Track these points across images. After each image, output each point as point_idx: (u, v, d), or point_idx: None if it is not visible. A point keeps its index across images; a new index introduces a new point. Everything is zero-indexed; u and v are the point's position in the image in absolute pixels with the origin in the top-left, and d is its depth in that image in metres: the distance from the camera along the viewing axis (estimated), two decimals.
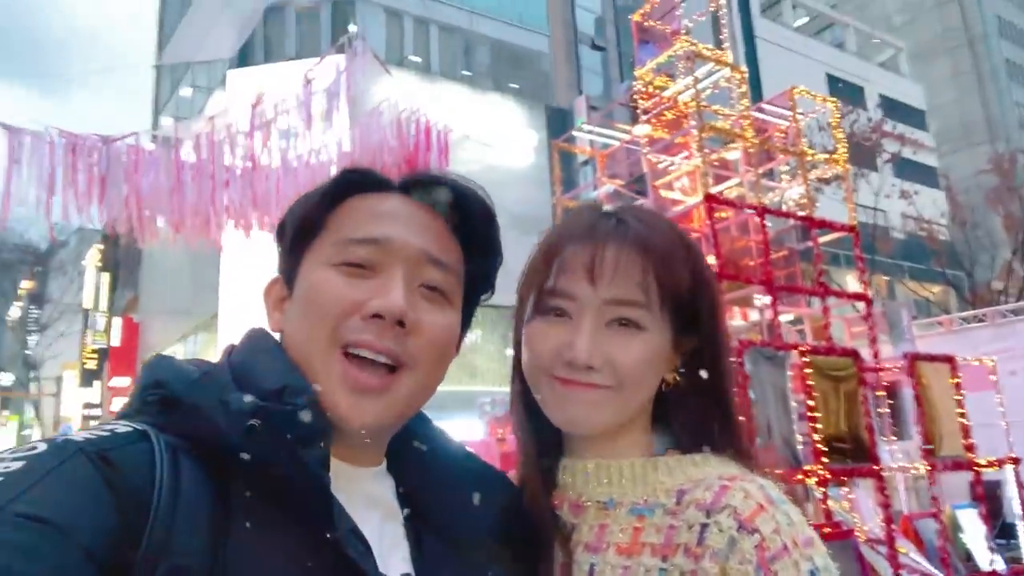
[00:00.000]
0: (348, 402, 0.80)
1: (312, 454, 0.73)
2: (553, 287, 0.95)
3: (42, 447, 0.66)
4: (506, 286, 1.04)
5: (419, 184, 0.92)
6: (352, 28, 17.60)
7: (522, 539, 0.92)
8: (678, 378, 1.00)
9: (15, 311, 32.15)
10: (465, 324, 0.95)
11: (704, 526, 0.84)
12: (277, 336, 0.89)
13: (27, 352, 29.46)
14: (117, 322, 27.43)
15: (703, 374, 0.99)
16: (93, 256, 30.18)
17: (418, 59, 21.79)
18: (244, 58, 18.73)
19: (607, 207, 1.02)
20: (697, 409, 0.98)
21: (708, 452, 0.94)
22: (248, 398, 0.72)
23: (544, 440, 1.02)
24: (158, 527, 0.65)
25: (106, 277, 29.46)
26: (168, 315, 22.49)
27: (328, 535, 0.72)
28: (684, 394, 0.99)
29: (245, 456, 0.71)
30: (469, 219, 0.93)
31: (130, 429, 0.72)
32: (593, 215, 0.99)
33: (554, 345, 0.94)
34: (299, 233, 0.89)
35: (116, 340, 26.27)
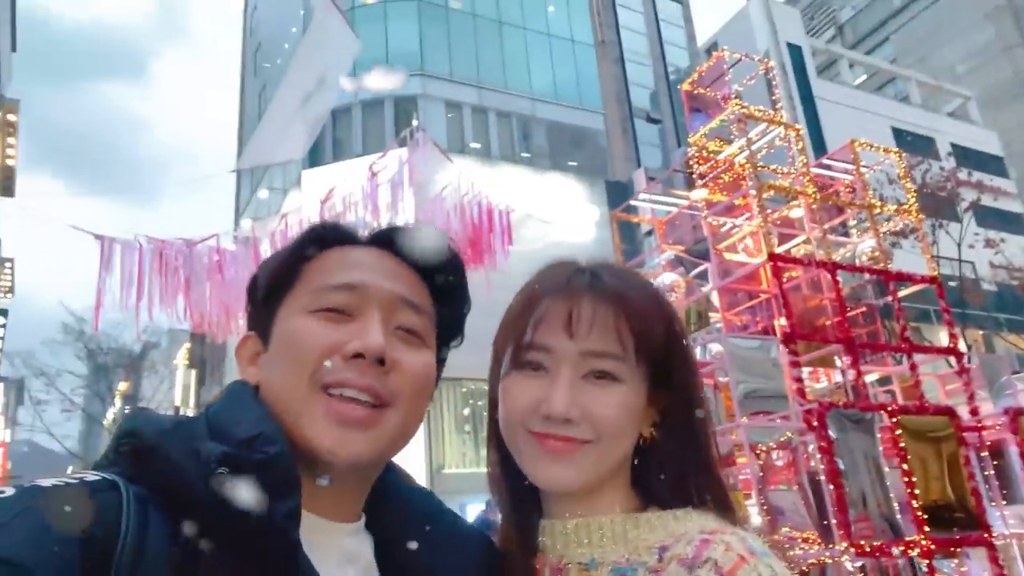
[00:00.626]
0: (334, 436, 0.80)
1: (280, 506, 0.72)
2: (530, 341, 0.95)
3: (9, 491, 0.66)
4: None
5: (389, 237, 0.95)
6: (414, 122, 18.45)
7: None
8: (655, 433, 0.99)
9: (111, 413, 33.71)
10: (438, 371, 0.96)
11: None
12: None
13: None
14: None
15: (680, 428, 0.98)
16: (182, 355, 31.62)
17: (478, 145, 22.56)
18: (315, 158, 19.82)
19: (582, 263, 1.03)
20: (676, 464, 0.97)
21: (689, 508, 0.93)
22: (217, 447, 0.72)
23: (524, 501, 1.00)
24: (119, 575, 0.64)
25: (193, 374, 30.71)
26: None
27: None
28: (662, 450, 0.98)
29: (212, 506, 0.70)
30: (438, 268, 0.96)
31: (99, 478, 0.72)
32: (568, 270, 1.01)
33: (531, 399, 0.94)
34: (273, 286, 0.91)
35: None
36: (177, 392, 31.03)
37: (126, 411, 33.92)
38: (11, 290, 29.69)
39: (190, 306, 8.08)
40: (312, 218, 8.98)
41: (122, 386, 33.66)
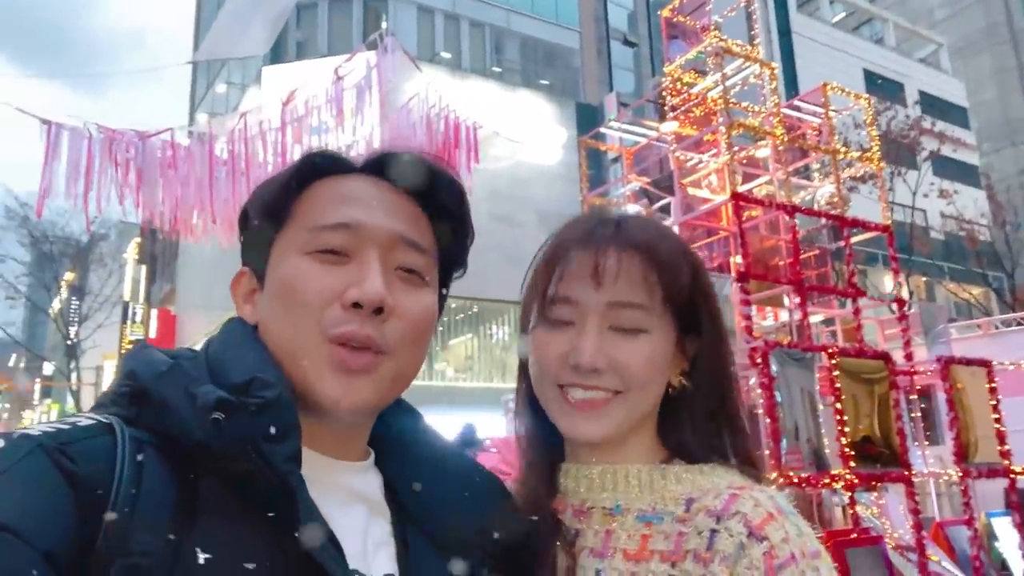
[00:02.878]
0: (338, 384, 0.79)
1: (279, 449, 0.71)
2: (555, 294, 0.95)
3: None
4: None
5: (386, 164, 0.90)
6: (383, 25, 17.73)
7: (515, 543, 0.90)
8: (684, 381, 0.99)
9: (57, 302, 33.01)
10: (441, 303, 0.94)
11: (714, 532, 0.84)
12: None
13: (68, 342, 30.19)
14: (154, 313, 28.02)
15: (707, 377, 0.98)
16: (132, 250, 30.87)
17: (448, 55, 21.86)
18: (277, 55, 18.97)
19: (607, 214, 1.01)
20: (703, 416, 0.98)
21: (716, 463, 0.94)
22: (214, 391, 0.70)
23: (547, 443, 1.01)
24: (115, 524, 0.63)
25: (144, 270, 30.11)
26: (204, 308, 22.91)
27: (295, 534, 0.69)
28: (690, 400, 0.99)
29: (210, 451, 0.69)
30: (439, 198, 0.91)
31: (93, 422, 0.70)
32: (592, 221, 1.00)
33: (559, 352, 0.94)
34: (265, 221, 0.87)
35: (153, 332, 26.82)
36: (126, 287, 30.41)
37: (73, 301, 33.25)
38: None
39: (141, 201, 7.85)
40: (272, 119, 8.68)
41: (68, 276, 32.83)
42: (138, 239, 29.87)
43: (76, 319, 31.92)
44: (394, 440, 0.93)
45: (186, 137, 8.90)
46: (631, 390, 0.92)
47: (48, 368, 38.89)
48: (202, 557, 0.66)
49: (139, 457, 0.68)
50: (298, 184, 0.88)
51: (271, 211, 0.87)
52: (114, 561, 0.62)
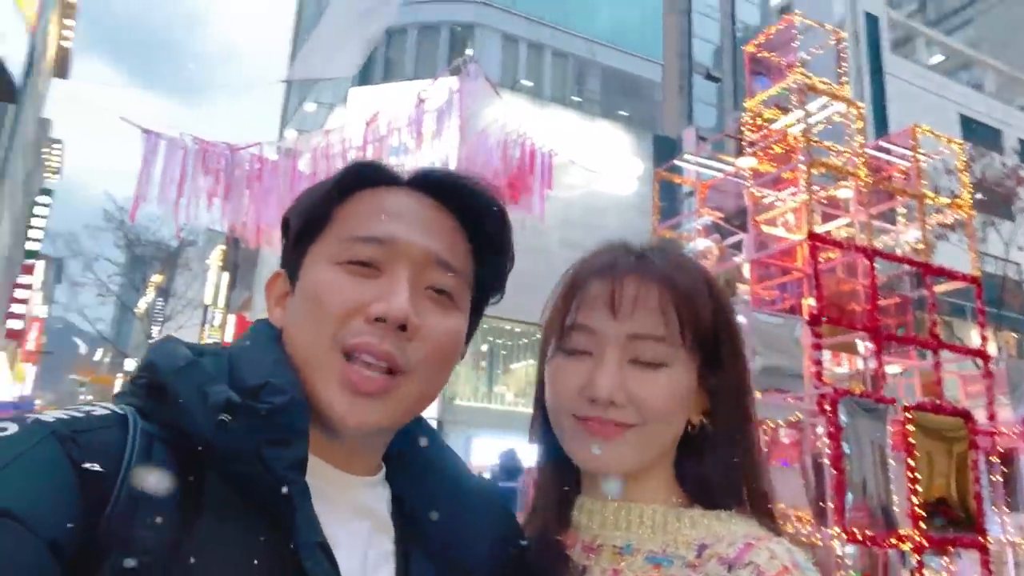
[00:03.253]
0: (345, 404, 0.77)
1: (283, 456, 0.70)
2: (574, 322, 0.94)
3: (12, 428, 0.64)
4: None
5: (430, 181, 0.88)
6: (468, 51, 18.13)
7: (516, 572, 0.88)
8: (704, 420, 0.96)
9: (143, 302, 34.73)
10: (472, 327, 0.92)
11: None
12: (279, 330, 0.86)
13: (150, 340, 31.63)
14: (232, 319, 29.10)
15: (727, 415, 0.96)
16: (216, 256, 32.23)
17: (530, 83, 22.15)
18: (365, 77, 19.65)
19: (631, 244, 1.00)
20: (722, 458, 0.95)
21: (733, 511, 0.91)
22: (225, 391, 0.70)
23: (563, 476, 1.00)
24: (115, 518, 0.63)
25: (226, 277, 31.37)
26: None
27: (291, 544, 0.69)
28: (711, 440, 0.96)
29: (216, 451, 0.69)
30: (480, 219, 0.89)
31: (107, 412, 0.70)
32: (614, 251, 0.98)
33: (576, 383, 0.92)
34: (305, 227, 0.86)
35: (229, 336, 27.85)
36: (208, 291, 31.74)
37: (158, 302, 34.89)
38: (58, 171, 30.30)
39: (227, 210, 8.20)
40: (355, 138, 8.97)
41: (156, 278, 34.53)
42: (223, 246, 31.17)
43: (160, 319, 33.46)
44: (407, 455, 0.91)
45: (274, 152, 9.28)
46: (648, 424, 0.90)
47: (130, 365, 40.81)
48: (199, 557, 0.65)
49: (147, 452, 0.68)
50: (340, 192, 0.87)
51: (311, 216, 0.86)
52: (110, 554, 0.62)
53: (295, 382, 0.76)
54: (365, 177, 0.88)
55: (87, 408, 0.70)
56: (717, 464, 0.94)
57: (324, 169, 8.59)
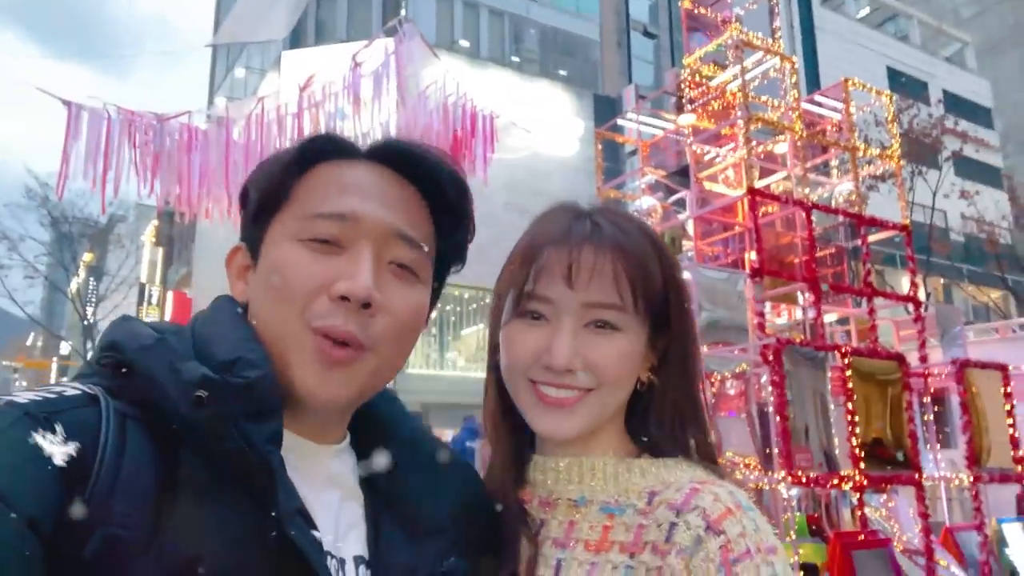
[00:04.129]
0: (318, 376, 0.79)
1: (261, 429, 0.71)
2: (532, 291, 0.96)
3: None
4: None
5: (390, 152, 0.89)
6: (402, 11, 17.69)
7: (484, 531, 0.92)
8: (652, 377, 1.00)
9: (75, 283, 33.38)
10: (435, 296, 0.94)
11: (673, 524, 0.86)
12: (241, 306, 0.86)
13: (84, 322, 30.52)
14: (170, 296, 28.29)
15: (676, 372, 1.00)
16: (149, 232, 31.15)
17: (467, 43, 21.79)
18: (296, 40, 19.02)
19: (582, 208, 1.02)
20: (670, 411, 0.99)
21: (680, 458, 0.96)
22: (198, 368, 0.70)
23: (518, 437, 1.03)
24: (96, 495, 0.63)
25: (161, 252, 30.37)
26: (219, 291, 23.05)
27: (272, 513, 0.70)
28: (658, 395, 1.00)
29: (192, 428, 0.69)
30: (441, 190, 0.90)
31: (79, 392, 0.70)
32: (568, 217, 1.00)
33: (533, 349, 0.95)
34: (264, 201, 0.86)
35: (169, 314, 27.10)
36: (143, 269, 30.73)
37: (91, 282, 33.63)
38: None
39: (158, 183, 7.89)
40: (290, 104, 8.69)
41: (87, 257, 33.22)
42: (155, 222, 30.15)
43: (93, 300, 32.29)
44: (370, 421, 0.93)
45: (204, 121, 8.94)
46: (603, 388, 0.94)
47: (65, 348, 39.39)
48: (182, 530, 0.66)
49: (122, 430, 0.68)
50: (299, 166, 0.86)
51: (270, 191, 0.86)
52: (95, 531, 0.62)
53: (265, 357, 0.77)
54: (323, 151, 0.88)
55: (58, 389, 0.71)
56: (664, 416, 0.99)
57: (259, 137, 8.33)
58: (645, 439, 0.99)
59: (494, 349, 1.03)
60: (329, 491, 0.84)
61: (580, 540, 0.92)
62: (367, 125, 8.52)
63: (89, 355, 30.37)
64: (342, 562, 0.80)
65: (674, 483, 0.91)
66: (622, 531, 0.89)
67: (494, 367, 1.03)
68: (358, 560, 0.82)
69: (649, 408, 1.00)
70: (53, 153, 7.51)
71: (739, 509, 0.85)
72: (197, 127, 8.27)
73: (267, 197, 0.86)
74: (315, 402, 0.80)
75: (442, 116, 8.41)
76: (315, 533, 0.74)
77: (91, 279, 34.18)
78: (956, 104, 27.94)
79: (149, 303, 28.98)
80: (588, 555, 0.90)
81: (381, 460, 0.90)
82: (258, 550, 0.69)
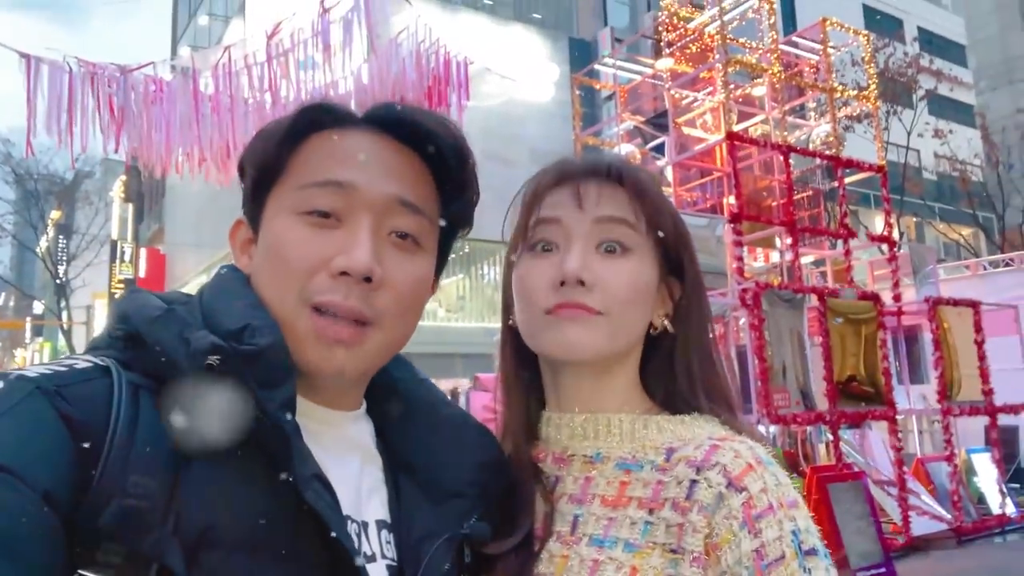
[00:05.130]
0: (319, 354, 0.78)
1: (273, 396, 0.71)
2: (539, 217, 0.95)
3: None
4: None
5: (387, 118, 0.86)
6: None
7: (501, 491, 0.91)
8: (667, 324, 0.99)
9: (44, 241, 32.67)
10: (442, 262, 0.92)
11: (693, 482, 0.85)
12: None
13: (57, 281, 30.00)
14: (143, 253, 27.82)
15: (689, 324, 0.99)
16: (118, 188, 30.40)
17: None
18: None
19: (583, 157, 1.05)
20: (685, 365, 0.98)
21: (697, 414, 0.95)
22: (208, 336, 0.70)
23: (530, 390, 1.02)
24: (111, 466, 0.64)
25: (131, 208, 29.71)
26: (193, 246, 22.76)
27: (289, 479, 0.70)
28: (672, 347, 0.99)
29: (205, 397, 0.69)
30: (443, 154, 0.87)
31: (90, 364, 0.70)
32: (568, 160, 1.01)
33: (546, 278, 0.93)
34: (260, 175, 0.84)
35: (143, 271, 26.69)
36: (114, 226, 30.08)
37: (60, 240, 32.94)
38: None
39: (124, 138, 7.68)
40: (258, 53, 8.44)
41: (55, 215, 32.45)
42: (123, 177, 29.40)
43: (64, 258, 31.68)
44: (386, 387, 0.92)
45: (168, 72, 8.65)
46: (615, 311, 0.92)
47: (38, 307, 38.80)
48: (198, 499, 0.67)
49: (135, 402, 0.68)
50: (293, 138, 0.84)
51: (266, 164, 0.84)
52: (111, 502, 0.62)
53: (273, 324, 0.76)
54: (317, 121, 0.85)
55: (69, 362, 0.70)
56: (680, 369, 0.97)
57: (227, 88, 8.11)
58: (661, 394, 0.98)
59: (507, 308, 1.02)
60: (349, 456, 0.84)
61: (597, 495, 0.91)
62: (338, 73, 8.31)
63: (64, 314, 30.01)
64: (364, 525, 0.81)
65: (692, 440, 0.90)
66: (639, 487, 0.89)
67: (506, 320, 1.03)
68: (380, 524, 0.83)
69: (664, 361, 0.99)
70: (11, 109, 7.26)
71: (760, 465, 0.85)
72: (162, 78, 8.01)
73: (262, 172, 0.84)
74: (321, 375, 0.80)
75: (415, 64, 8.22)
76: (334, 497, 0.74)
77: (60, 237, 33.44)
78: (931, 41, 27.86)
79: (122, 260, 28.47)
80: (605, 510, 0.90)
81: (399, 426, 0.90)
82: (276, 516, 0.69)
